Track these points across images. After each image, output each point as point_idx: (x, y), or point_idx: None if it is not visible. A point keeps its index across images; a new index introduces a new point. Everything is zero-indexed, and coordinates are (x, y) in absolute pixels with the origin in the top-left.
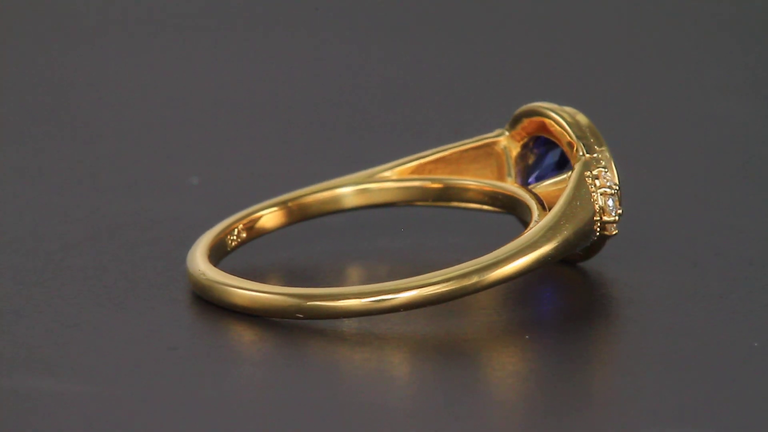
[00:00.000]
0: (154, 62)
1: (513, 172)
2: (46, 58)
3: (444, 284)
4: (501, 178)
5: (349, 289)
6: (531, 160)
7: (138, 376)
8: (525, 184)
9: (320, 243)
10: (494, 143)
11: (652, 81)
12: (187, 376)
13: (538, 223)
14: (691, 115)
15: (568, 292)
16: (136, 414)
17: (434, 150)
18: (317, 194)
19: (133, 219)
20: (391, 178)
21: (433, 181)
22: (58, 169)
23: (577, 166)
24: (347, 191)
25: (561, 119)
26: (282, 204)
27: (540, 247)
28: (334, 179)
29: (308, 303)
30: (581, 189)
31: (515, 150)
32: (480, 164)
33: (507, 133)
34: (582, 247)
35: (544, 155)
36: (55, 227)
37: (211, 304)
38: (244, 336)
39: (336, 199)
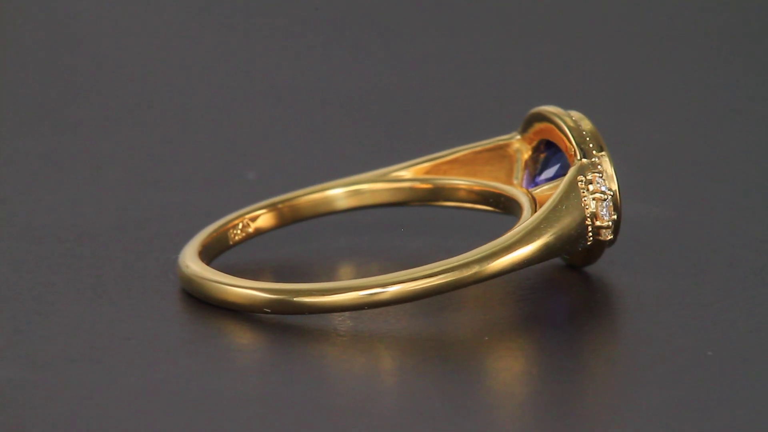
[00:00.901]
0: (177, 58)
1: (520, 175)
2: (82, 46)
3: (413, 282)
4: (511, 180)
5: (339, 284)
6: (539, 163)
7: (87, 366)
8: (531, 186)
9: (316, 242)
10: (507, 145)
11: (667, 84)
12: (137, 366)
13: (520, 225)
14: (710, 118)
15: (566, 294)
16: (76, 404)
17: (449, 151)
18: (308, 196)
19: (164, 211)
20: (404, 178)
21: (422, 181)
22: (94, 159)
23: (571, 171)
24: (339, 193)
25: (562, 123)
26: (273, 206)
27: (514, 249)
28: (329, 181)
29: (295, 298)
30: (570, 193)
31: (527, 153)
32: (494, 166)
33: (519, 136)
34: (571, 251)
35: (551, 158)
36: (83, 217)
37: (194, 299)
38: (208, 329)
39: (327, 201)
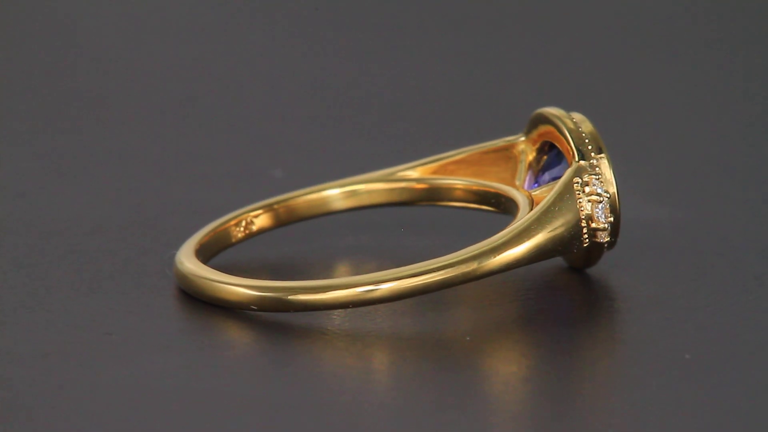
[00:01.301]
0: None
1: (522, 176)
2: (101, 44)
3: (398, 282)
4: (514, 181)
5: (329, 281)
6: (542, 164)
7: (59, 360)
8: (533, 187)
9: (321, 241)
10: (513, 146)
11: (676, 88)
12: (112, 362)
13: (510, 226)
14: (721, 122)
15: (562, 296)
16: (44, 398)
17: (456, 151)
18: (305, 197)
19: (178, 208)
20: (411, 177)
21: (419, 182)
22: (112, 157)
23: (567, 172)
24: (335, 194)
25: (561, 125)
26: (269, 207)
27: (503, 251)
28: (325, 183)
29: (289, 297)
30: (564, 195)
31: (531, 154)
32: (500, 167)
33: (523, 137)
34: (566, 252)
35: (553, 160)
36: (98, 213)
37: (188, 296)
38: (194, 325)
39: (324, 202)
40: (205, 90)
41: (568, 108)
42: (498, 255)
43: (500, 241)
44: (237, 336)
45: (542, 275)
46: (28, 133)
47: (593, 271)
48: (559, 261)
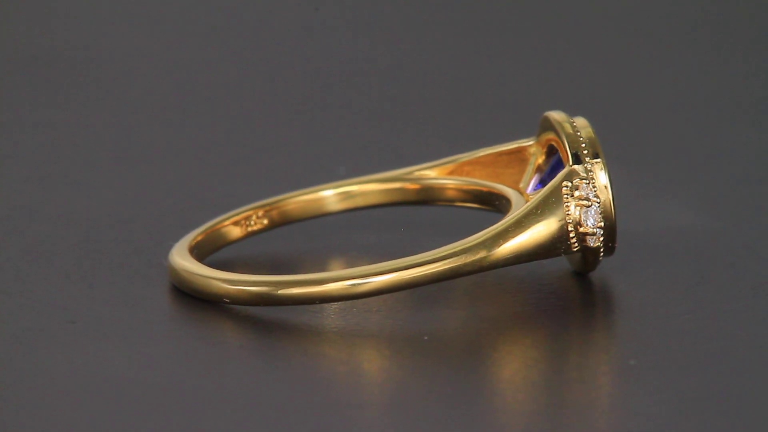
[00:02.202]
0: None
1: (528, 178)
2: (138, 36)
3: (372, 279)
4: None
5: (325, 275)
6: (547, 167)
7: (9, 347)
8: (537, 188)
9: (313, 241)
10: (525, 149)
11: (689, 93)
12: (63, 350)
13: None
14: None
15: (557, 297)
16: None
17: (472, 153)
18: (299, 197)
19: (197, 203)
20: (428, 177)
21: (412, 182)
22: (153, 149)
23: (558, 176)
24: (330, 195)
25: (560, 129)
26: (262, 208)
27: (478, 251)
28: (320, 185)
29: (279, 291)
30: (550, 198)
31: (541, 157)
32: (514, 169)
33: (534, 140)
34: (551, 256)
35: (557, 163)
36: (130, 204)
37: (176, 289)
38: (164, 317)
39: (319, 204)
40: (225, 86)
41: (584, 113)
42: (474, 256)
43: (475, 241)
44: (225, 331)
45: (541, 278)
46: (90, 125)
47: (594, 274)
48: (560, 264)
